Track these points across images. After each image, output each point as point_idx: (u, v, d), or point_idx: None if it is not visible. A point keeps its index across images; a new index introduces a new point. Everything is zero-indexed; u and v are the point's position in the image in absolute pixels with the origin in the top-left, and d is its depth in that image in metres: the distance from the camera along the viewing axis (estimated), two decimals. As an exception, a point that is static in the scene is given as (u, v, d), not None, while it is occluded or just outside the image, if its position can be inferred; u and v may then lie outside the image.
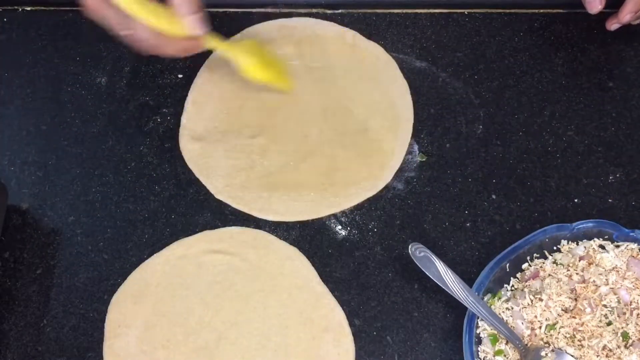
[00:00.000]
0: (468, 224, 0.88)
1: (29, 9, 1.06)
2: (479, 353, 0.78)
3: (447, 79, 0.98)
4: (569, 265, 0.80)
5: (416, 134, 0.94)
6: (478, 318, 0.78)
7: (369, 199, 0.90)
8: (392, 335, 0.83)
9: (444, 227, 0.88)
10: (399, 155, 0.92)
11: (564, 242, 0.82)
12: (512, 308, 0.78)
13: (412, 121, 0.95)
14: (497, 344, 0.77)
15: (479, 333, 0.78)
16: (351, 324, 0.83)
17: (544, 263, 0.81)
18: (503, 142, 0.93)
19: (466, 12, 1.03)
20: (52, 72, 1.01)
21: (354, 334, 0.82)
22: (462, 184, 0.91)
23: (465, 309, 0.79)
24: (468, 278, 0.84)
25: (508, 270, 0.81)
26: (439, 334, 0.82)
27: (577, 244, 0.82)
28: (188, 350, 0.82)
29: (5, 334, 0.84)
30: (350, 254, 0.87)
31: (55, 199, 0.92)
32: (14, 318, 0.85)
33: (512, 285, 0.81)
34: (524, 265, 0.82)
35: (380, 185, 0.91)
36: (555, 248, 0.83)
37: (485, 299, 0.79)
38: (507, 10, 1.03)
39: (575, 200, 0.89)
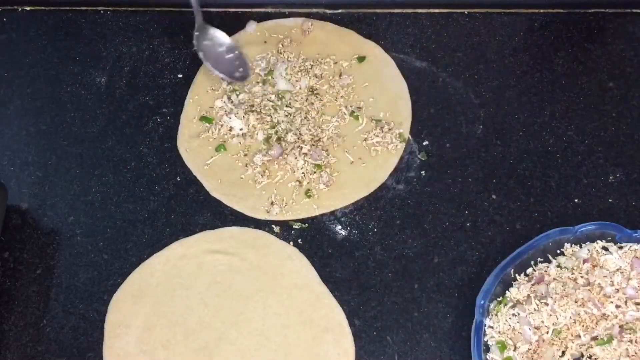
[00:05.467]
0: (468, 224, 0.88)
1: (29, 9, 1.06)
2: (488, 361, 0.77)
3: (447, 79, 0.98)
4: (573, 269, 0.80)
5: (416, 134, 0.94)
6: (485, 325, 0.78)
7: (368, 199, 0.90)
8: (392, 335, 0.83)
9: (444, 227, 0.88)
10: (395, 156, 0.92)
11: (567, 245, 0.82)
12: (519, 314, 0.77)
13: (410, 120, 0.95)
14: (505, 351, 0.76)
15: (487, 341, 0.78)
16: (351, 324, 0.83)
17: (548, 267, 0.81)
18: (503, 142, 0.93)
19: (466, 12, 1.03)
20: (52, 72, 1.01)
21: (354, 334, 0.82)
22: (462, 184, 0.91)
23: (466, 309, 0.79)
24: (468, 278, 0.85)
25: (513, 276, 0.81)
26: (439, 334, 0.82)
27: (580, 247, 0.82)
28: (188, 350, 0.82)
29: (5, 334, 0.84)
30: (350, 254, 0.87)
31: (55, 199, 0.92)
32: (14, 318, 0.85)
33: (518, 291, 0.80)
34: (529, 270, 0.82)
35: (374, 186, 0.91)
36: (558, 252, 0.82)
37: (492, 305, 0.79)
38: (507, 10, 1.03)
39: (576, 201, 0.89)
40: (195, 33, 0.90)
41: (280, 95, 0.95)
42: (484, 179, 0.91)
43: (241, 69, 0.92)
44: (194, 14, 0.91)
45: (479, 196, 0.90)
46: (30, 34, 1.04)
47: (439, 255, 0.87)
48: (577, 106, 0.96)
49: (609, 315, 0.77)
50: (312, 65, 0.98)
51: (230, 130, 0.94)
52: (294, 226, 0.89)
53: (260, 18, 1.03)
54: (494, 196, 0.90)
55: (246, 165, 0.92)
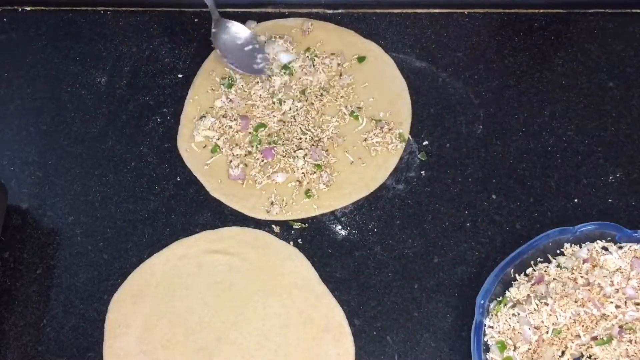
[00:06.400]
0: (468, 224, 0.88)
1: (29, 9, 1.06)
2: (488, 361, 0.78)
3: (447, 79, 0.98)
4: (573, 269, 0.80)
5: (416, 134, 0.94)
6: (485, 325, 0.78)
7: (368, 199, 0.90)
8: (392, 335, 0.83)
9: (444, 227, 0.88)
10: (395, 156, 0.92)
11: (567, 245, 0.82)
12: (519, 314, 0.77)
13: (410, 121, 0.95)
14: (505, 350, 0.76)
15: (487, 340, 0.78)
16: (351, 324, 0.83)
17: (548, 267, 0.81)
18: (503, 142, 0.93)
19: (466, 12, 1.03)
20: (52, 72, 1.01)
21: (354, 334, 0.82)
22: (462, 184, 0.91)
23: (466, 309, 0.79)
24: (468, 278, 0.85)
25: (513, 275, 0.81)
26: (439, 334, 0.82)
27: (580, 247, 0.82)
28: (188, 350, 0.82)
29: (5, 334, 0.84)
30: (350, 254, 0.87)
31: (55, 199, 0.92)
32: (14, 318, 0.85)
33: (518, 291, 0.80)
34: (529, 270, 0.82)
35: (374, 185, 0.91)
36: (558, 252, 0.83)
37: (492, 305, 0.79)
38: (507, 10, 1.03)
39: (575, 200, 0.89)
40: (213, 30, 0.92)
41: (288, 67, 0.96)
42: (484, 179, 0.91)
43: (259, 60, 0.95)
44: (210, 12, 0.94)
45: (479, 196, 0.90)
46: (30, 34, 1.04)
47: (439, 255, 0.87)
48: (577, 106, 0.96)
49: (608, 316, 0.77)
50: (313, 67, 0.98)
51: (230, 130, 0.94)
52: (294, 226, 0.89)
53: (260, 18, 1.03)
54: (494, 196, 0.90)
55: (246, 166, 0.92)
